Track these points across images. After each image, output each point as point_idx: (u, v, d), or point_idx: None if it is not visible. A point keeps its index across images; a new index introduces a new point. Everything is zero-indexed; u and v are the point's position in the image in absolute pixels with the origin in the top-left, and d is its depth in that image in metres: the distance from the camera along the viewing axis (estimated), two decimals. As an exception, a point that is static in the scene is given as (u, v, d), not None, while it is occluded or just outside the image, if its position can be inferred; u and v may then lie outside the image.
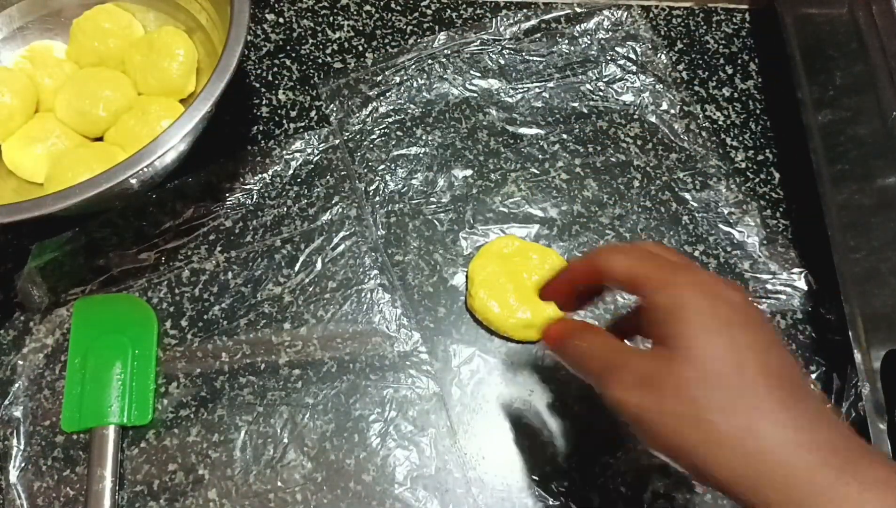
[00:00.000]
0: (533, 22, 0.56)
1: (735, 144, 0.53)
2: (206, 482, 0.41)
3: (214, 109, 0.40)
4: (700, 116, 0.53)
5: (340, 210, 0.48)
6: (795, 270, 0.48)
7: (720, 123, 0.53)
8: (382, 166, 0.50)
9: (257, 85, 0.53)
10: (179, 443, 0.42)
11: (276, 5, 0.56)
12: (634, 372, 0.27)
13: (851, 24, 0.43)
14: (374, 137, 0.51)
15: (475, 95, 0.53)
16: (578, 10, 0.56)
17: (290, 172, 0.49)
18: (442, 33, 0.55)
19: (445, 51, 0.54)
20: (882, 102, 0.39)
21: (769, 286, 0.47)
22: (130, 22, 0.50)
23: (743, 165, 0.52)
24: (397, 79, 0.53)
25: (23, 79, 0.48)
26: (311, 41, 0.55)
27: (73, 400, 0.42)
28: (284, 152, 0.50)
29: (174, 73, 0.48)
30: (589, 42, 0.55)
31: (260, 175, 0.49)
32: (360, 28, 0.55)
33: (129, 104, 0.48)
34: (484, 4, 0.57)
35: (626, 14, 0.56)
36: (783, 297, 0.47)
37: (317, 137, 0.50)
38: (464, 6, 0.57)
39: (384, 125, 0.51)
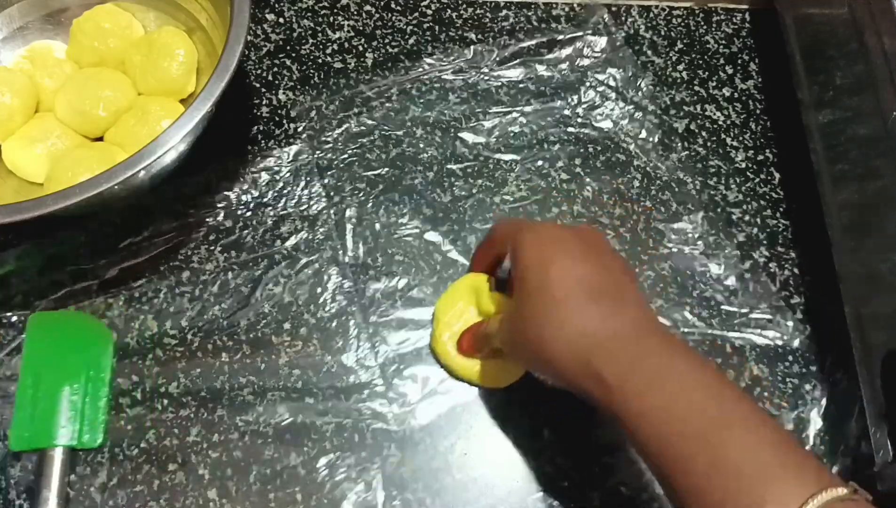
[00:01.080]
0: (512, 49, 0.54)
1: (735, 144, 0.53)
2: (206, 482, 0.41)
3: (214, 109, 0.40)
4: (700, 116, 0.53)
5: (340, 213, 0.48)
6: (796, 270, 0.48)
7: (720, 123, 0.53)
8: (350, 187, 0.49)
9: (257, 85, 0.53)
10: (179, 443, 0.42)
11: (276, 5, 0.56)
12: (507, 317, 0.37)
13: (851, 24, 0.42)
14: (344, 156, 0.50)
15: (452, 119, 0.52)
16: (577, 8, 0.56)
17: (291, 171, 0.49)
18: (427, 58, 0.54)
19: (423, 76, 0.53)
20: (882, 102, 0.39)
21: (770, 286, 0.47)
22: (130, 22, 0.50)
23: (743, 165, 0.52)
24: (374, 100, 0.52)
25: (23, 79, 0.48)
26: (311, 41, 0.55)
27: (23, 419, 0.40)
28: (284, 152, 0.50)
29: (174, 73, 0.48)
30: (568, 68, 0.54)
31: (260, 175, 0.49)
32: (361, 28, 0.55)
33: (129, 104, 0.48)
34: (484, 4, 0.57)
35: (606, 40, 0.55)
36: (784, 294, 0.47)
37: (286, 154, 0.50)
38: (464, 6, 0.57)
39: (357, 145, 0.51)
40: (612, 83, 0.54)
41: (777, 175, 0.52)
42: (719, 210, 0.50)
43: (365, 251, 0.47)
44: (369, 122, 0.52)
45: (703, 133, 0.53)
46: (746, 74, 0.56)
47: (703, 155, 0.52)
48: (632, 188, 0.50)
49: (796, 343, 0.46)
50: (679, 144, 0.52)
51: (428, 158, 0.50)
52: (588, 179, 0.50)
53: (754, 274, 0.48)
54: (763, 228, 0.50)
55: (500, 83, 0.53)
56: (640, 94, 0.53)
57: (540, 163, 0.51)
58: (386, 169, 0.50)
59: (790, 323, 0.47)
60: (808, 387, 0.45)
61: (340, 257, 0.47)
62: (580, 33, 0.55)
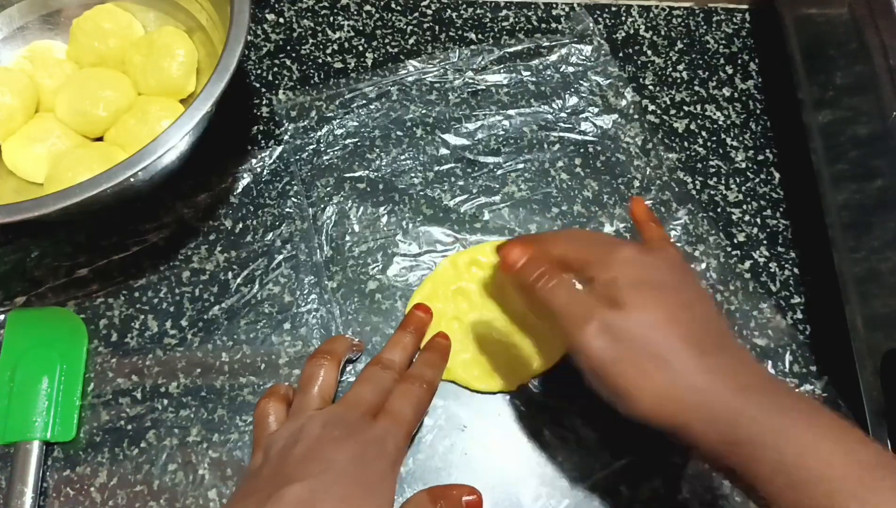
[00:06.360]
0: (497, 54, 0.54)
1: (735, 144, 0.53)
2: (206, 482, 0.41)
3: (214, 109, 0.40)
4: (700, 116, 0.53)
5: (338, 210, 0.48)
6: (796, 270, 0.48)
7: (720, 123, 0.53)
8: (350, 187, 0.49)
9: (257, 85, 0.53)
10: (179, 443, 0.42)
11: (276, 5, 0.56)
12: (600, 323, 0.33)
13: (851, 24, 0.43)
14: (345, 156, 0.50)
15: (435, 121, 0.52)
16: (577, 8, 0.56)
17: (292, 171, 0.49)
18: (411, 61, 0.54)
19: (408, 78, 0.53)
20: (882, 102, 0.39)
21: (770, 286, 0.47)
22: (130, 22, 0.50)
23: (743, 165, 0.52)
24: (356, 101, 0.52)
25: (23, 79, 0.48)
26: (311, 41, 0.55)
27: None
28: (285, 153, 0.50)
29: (174, 73, 0.48)
30: (553, 74, 0.54)
31: (260, 175, 0.49)
32: (360, 28, 0.55)
33: (129, 104, 0.48)
34: (484, 4, 0.57)
35: (591, 49, 0.55)
36: (784, 294, 0.47)
37: (287, 154, 0.50)
38: (464, 6, 0.57)
39: (357, 144, 0.51)
40: (595, 90, 0.53)
41: (777, 175, 0.52)
42: (719, 210, 0.50)
43: (365, 251, 0.47)
44: (370, 122, 0.52)
45: (703, 133, 0.53)
46: (746, 74, 0.56)
47: (703, 155, 0.52)
48: (632, 188, 0.50)
49: (796, 343, 0.46)
50: (679, 144, 0.52)
51: (427, 158, 0.51)
52: (588, 180, 0.50)
53: (754, 274, 0.48)
54: (763, 228, 0.50)
55: (486, 86, 0.53)
56: (623, 102, 0.53)
57: (539, 163, 0.51)
58: (386, 169, 0.50)
59: (790, 323, 0.47)
60: (808, 387, 0.45)
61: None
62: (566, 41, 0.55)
